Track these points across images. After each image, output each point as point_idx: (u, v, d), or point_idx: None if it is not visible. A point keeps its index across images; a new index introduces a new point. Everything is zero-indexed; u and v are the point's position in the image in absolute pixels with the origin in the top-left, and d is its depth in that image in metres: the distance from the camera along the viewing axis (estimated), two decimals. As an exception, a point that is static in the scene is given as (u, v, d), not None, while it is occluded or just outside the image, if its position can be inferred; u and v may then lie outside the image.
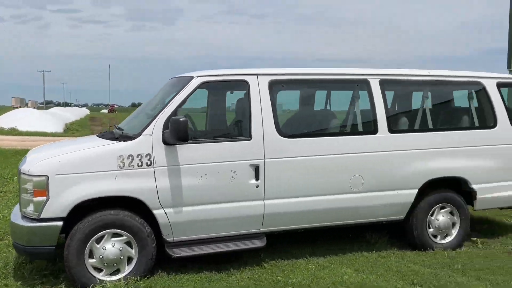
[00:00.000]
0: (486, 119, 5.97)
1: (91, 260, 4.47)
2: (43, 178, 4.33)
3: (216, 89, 5.28)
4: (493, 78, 6.03)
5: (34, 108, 58.72)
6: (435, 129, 5.73)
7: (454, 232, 5.79)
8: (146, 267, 4.60)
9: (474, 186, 5.77)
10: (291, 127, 5.29)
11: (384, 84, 5.50)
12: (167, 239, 4.74)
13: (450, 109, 6.14)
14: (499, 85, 6.03)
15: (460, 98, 6.11)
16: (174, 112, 4.69)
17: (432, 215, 5.68)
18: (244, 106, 4.99)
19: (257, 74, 5.05)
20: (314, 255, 5.43)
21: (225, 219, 4.88)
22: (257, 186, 4.90)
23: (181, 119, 4.46)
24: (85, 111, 76.71)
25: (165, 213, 4.64)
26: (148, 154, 4.57)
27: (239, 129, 5.05)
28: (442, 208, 5.73)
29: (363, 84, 5.43)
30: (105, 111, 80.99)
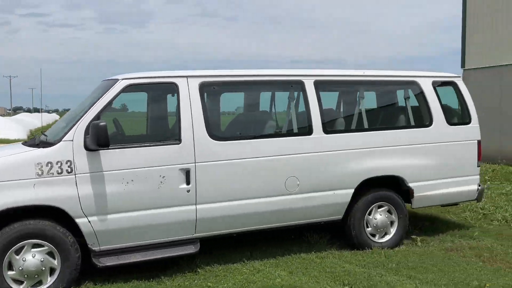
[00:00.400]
0: (422, 118, 6.03)
1: (10, 272, 4.29)
2: None
3: (144, 92, 5.17)
4: (428, 77, 6.10)
5: (3, 114, 57.25)
6: (370, 129, 5.74)
7: (393, 230, 5.82)
8: (70, 277, 4.45)
9: (410, 185, 5.81)
10: (223, 130, 5.22)
11: (319, 85, 5.48)
12: (93, 248, 4.60)
13: (386, 108, 6.19)
14: (435, 84, 6.10)
15: (396, 98, 6.16)
16: (97, 117, 4.55)
17: (370, 214, 5.69)
18: (174, 109, 4.89)
19: (187, 76, 4.96)
20: (251, 258, 5.36)
21: (155, 226, 4.76)
22: (188, 191, 4.80)
23: (100, 124, 4.34)
24: (54, 117, 75.17)
25: (89, 221, 4.50)
26: (68, 161, 4.43)
27: (169, 132, 4.95)
28: (380, 207, 5.75)
29: (298, 85, 5.40)
30: None
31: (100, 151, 4.50)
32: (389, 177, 5.73)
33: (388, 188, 5.81)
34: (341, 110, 6.03)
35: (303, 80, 5.40)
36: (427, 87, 6.02)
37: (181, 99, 4.87)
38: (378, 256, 5.40)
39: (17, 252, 4.30)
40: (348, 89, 6.00)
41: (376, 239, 5.74)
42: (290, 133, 5.40)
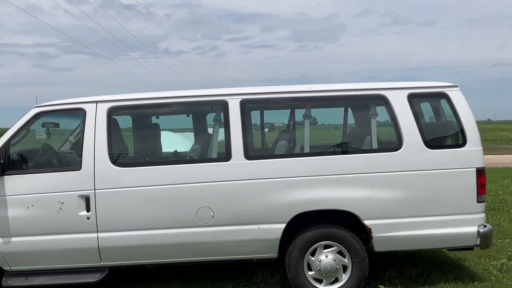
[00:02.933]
0: (388, 140, 4.87)
1: None
2: None
3: (58, 119, 5.24)
4: (402, 88, 4.89)
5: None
6: (309, 154, 4.84)
7: (345, 277, 4.79)
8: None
9: (367, 222, 4.72)
10: (127, 156, 4.98)
11: (247, 105, 4.85)
12: (4, 268, 4.84)
13: (338, 129, 5.14)
14: (413, 97, 4.86)
15: (354, 116, 5.09)
16: (6, 143, 4.79)
17: (313, 254, 4.80)
18: (79, 135, 4.88)
19: (96, 102, 4.90)
20: (175, 292, 5.01)
21: (58, 251, 4.79)
22: (88, 218, 4.72)
23: None
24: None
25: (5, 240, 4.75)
26: None
27: (70, 159, 4.94)
28: (328, 247, 4.80)
29: (220, 106, 4.86)
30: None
31: (5, 176, 4.73)
32: (337, 212, 4.75)
33: (339, 225, 4.82)
34: (276, 132, 5.23)
35: (227, 100, 4.85)
36: (397, 101, 4.83)
37: (87, 125, 4.82)
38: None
39: None
40: (285, 107, 5.17)
41: (322, 285, 4.80)
42: (203, 159, 4.89)
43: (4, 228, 4.74)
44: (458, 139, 4.83)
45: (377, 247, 4.78)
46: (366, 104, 4.98)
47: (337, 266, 4.76)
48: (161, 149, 5.33)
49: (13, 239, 4.76)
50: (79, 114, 4.91)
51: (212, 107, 4.93)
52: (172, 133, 7.30)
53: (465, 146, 4.78)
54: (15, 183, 4.74)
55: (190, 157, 5.05)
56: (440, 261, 5.72)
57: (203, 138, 5.10)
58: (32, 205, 4.72)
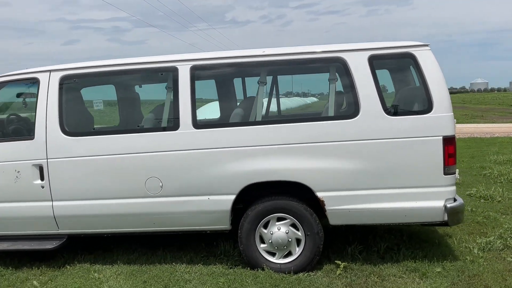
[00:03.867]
0: (344, 107, 4.51)
1: None
2: None
3: (15, 88, 5.26)
4: (363, 50, 4.46)
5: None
6: (260, 123, 4.57)
7: (298, 250, 4.57)
8: None
9: (319, 194, 4.44)
10: (78, 125, 4.94)
11: (196, 72, 4.64)
12: None
13: (291, 96, 4.79)
14: (374, 59, 4.44)
15: (311, 83, 4.72)
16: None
17: (266, 227, 4.60)
18: (34, 104, 4.89)
19: (50, 71, 4.88)
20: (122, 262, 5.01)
21: (18, 219, 4.91)
22: (42, 187, 4.78)
23: None
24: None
25: None
26: None
27: (25, 128, 4.97)
28: (281, 219, 4.58)
29: (169, 73, 4.68)
30: None
31: None
32: (289, 183, 4.50)
33: (293, 196, 4.57)
34: (228, 100, 4.96)
35: (176, 66, 4.66)
36: (356, 64, 4.43)
37: (40, 94, 4.82)
38: (266, 279, 4.35)
39: None
40: (241, 73, 4.89)
41: (274, 259, 4.61)
42: (151, 129, 4.75)
43: None
44: (423, 105, 4.37)
45: (332, 220, 4.50)
46: (324, 68, 4.61)
47: (290, 239, 4.54)
48: (109, 118, 5.27)
49: None
50: (35, 83, 4.92)
51: (161, 74, 4.76)
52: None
53: (431, 112, 4.32)
54: None
55: (138, 126, 4.94)
56: (419, 237, 5.32)
57: (158, 107, 4.97)
58: None
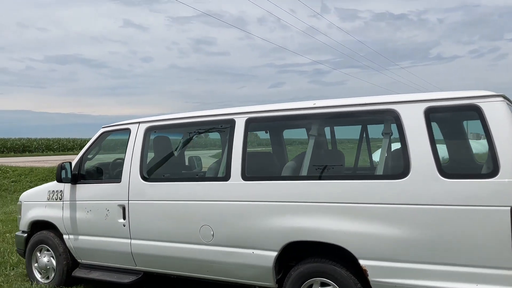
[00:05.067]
0: (394, 165, 3.99)
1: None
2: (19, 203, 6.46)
3: (116, 136, 5.96)
4: (418, 101, 3.93)
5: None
6: (307, 178, 4.33)
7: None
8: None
9: (362, 262, 3.98)
10: (152, 172, 5.36)
11: (251, 123, 4.71)
12: (77, 260, 5.89)
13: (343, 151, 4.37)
14: (431, 112, 3.88)
15: (362, 135, 4.28)
16: (80, 159, 5.87)
17: (309, 291, 4.29)
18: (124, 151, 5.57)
19: (139, 122, 5.53)
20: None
21: (107, 252, 5.56)
22: (124, 225, 5.35)
23: (61, 164, 5.66)
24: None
25: (69, 238, 5.85)
26: (61, 191, 5.95)
27: (116, 172, 5.62)
28: (325, 284, 4.22)
29: (228, 125, 4.85)
30: None
31: (76, 185, 5.79)
32: (330, 246, 4.14)
33: (336, 261, 4.18)
34: (276, 152, 4.75)
35: (234, 119, 4.81)
36: (409, 117, 3.92)
37: (129, 142, 5.48)
38: None
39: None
40: (291, 125, 4.70)
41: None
42: (209, 178, 4.91)
43: (73, 227, 5.79)
44: (488, 167, 3.61)
45: (372, 290, 3.97)
46: (378, 121, 4.21)
47: (327, 307, 4.15)
48: (177, 167, 5.59)
49: (80, 237, 5.77)
50: (127, 133, 5.62)
51: (221, 126, 4.96)
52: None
53: (496, 177, 3.54)
54: (80, 191, 5.75)
55: (197, 175, 5.16)
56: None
57: (214, 157, 5.16)
58: (90, 210, 5.63)
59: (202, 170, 5.59)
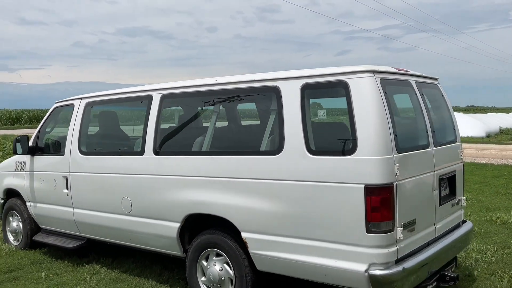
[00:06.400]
0: (272, 141, 4.03)
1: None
2: None
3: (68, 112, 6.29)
4: (298, 78, 3.92)
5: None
6: (201, 153, 4.46)
7: (229, 290, 4.31)
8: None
9: (243, 235, 4.12)
10: (87, 145, 5.65)
11: (166, 99, 4.88)
12: (39, 226, 6.42)
13: (238, 126, 4.42)
14: (308, 88, 3.86)
15: (253, 112, 4.31)
16: (37, 133, 6.31)
17: (207, 260, 4.50)
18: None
19: (81, 98, 5.84)
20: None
21: (57, 219, 6.02)
22: (67, 195, 5.76)
23: (17, 138, 6.13)
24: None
25: (30, 205, 6.37)
26: (23, 162, 6.45)
27: (62, 146, 5.97)
28: (218, 255, 4.41)
29: (146, 101, 5.04)
30: None
31: (34, 156, 6.25)
32: (217, 217, 4.30)
33: (226, 233, 4.33)
34: (181, 128, 4.87)
35: (152, 95, 4.99)
36: (288, 94, 3.93)
37: (71, 118, 5.82)
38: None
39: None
40: (195, 102, 4.78)
41: (216, 294, 4.45)
42: (129, 152, 5.15)
43: (32, 196, 6.29)
44: (348, 144, 3.58)
45: (258, 266, 4.10)
46: (264, 98, 4.23)
47: (223, 278, 4.33)
48: (106, 140, 5.86)
49: (38, 204, 6.27)
50: (71, 108, 5.95)
51: (141, 102, 5.14)
52: None
53: (354, 154, 3.52)
54: (36, 162, 6.21)
55: (120, 149, 5.42)
56: None
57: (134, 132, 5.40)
58: (43, 180, 6.09)
59: (120, 144, 5.81)
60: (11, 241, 6.78)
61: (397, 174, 3.53)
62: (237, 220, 4.15)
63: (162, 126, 4.87)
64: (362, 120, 3.50)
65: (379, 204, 3.43)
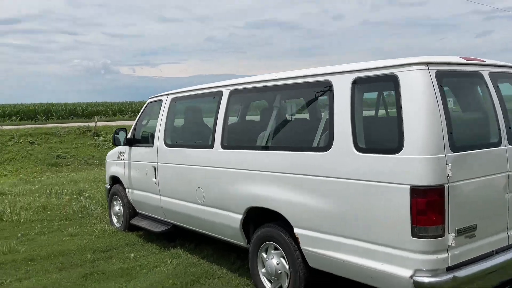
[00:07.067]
0: (324, 137, 3.95)
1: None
2: None
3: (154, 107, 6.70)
4: (350, 72, 3.79)
5: None
6: (265, 148, 4.50)
7: (285, 285, 4.34)
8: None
9: (296, 230, 4.13)
10: (171, 138, 6.00)
11: (233, 95, 5.04)
12: (136, 210, 7.06)
13: (294, 122, 4.34)
14: (357, 82, 3.72)
15: (307, 106, 4.24)
16: (134, 126, 6.93)
17: (266, 252, 4.59)
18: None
19: (168, 94, 6.28)
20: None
21: (148, 205, 6.57)
22: (155, 183, 6.25)
23: (116, 130, 6.79)
24: None
25: (128, 191, 7.03)
26: (124, 152, 7.13)
27: (152, 138, 6.44)
28: (276, 248, 4.47)
29: (218, 96, 5.25)
30: None
31: (132, 147, 6.88)
32: (275, 213, 4.35)
33: (283, 227, 4.36)
34: (248, 123, 4.89)
35: (222, 91, 5.19)
36: (340, 89, 3.83)
37: (159, 113, 6.28)
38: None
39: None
40: (258, 98, 4.79)
41: (271, 287, 4.53)
42: (203, 145, 5.38)
43: (129, 183, 6.94)
44: (394, 142, 3.38)
45: (310, 262, 4.08)
46: (319, 93, 4.14)
47: (280, 272, 4.39)
48: (186, 134, 6.13)
49: (134, 191, 6.89)
50: (160, 103, 6.41)
51: (213, 98, 5.35)
52: None
53: (400, 152, 3.32)
54: (132, 152, 6.82)
55: (195, 142, 5.68)
56: None
57: (206, 125, 5.63)
58: (138, 169, 6.68)
59: (198, 137, 6.06)
60: (115, 223, 7.55)
61: (450, 175, 3.25)
62: (290, 215, 4.17)
63: (230, 121, 5.04)
64: (410, 116, 3.29)
65: (426, 207, 3.20)
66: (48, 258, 6.09)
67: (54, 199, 10.14)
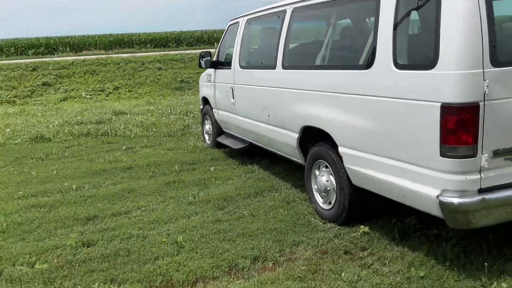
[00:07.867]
0: (367, 54, 3.80)
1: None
2: None
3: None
4: (394, -18, 3.53)
5: None
6: (319, 67, 4.48)
7: (333, 201, 4.46)
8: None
9: (340, 149, 4.16)
10: (244, 60, 6.13)
11: (294, 14, 4.99)
12: (223, 130, 7.52)
13: (345, 39, 4.14)
14: (401, -6, 3.48)
15: (353, 24, 4.02)
16: (218, 48, 7.23)
17: (319, 169, 4.71)
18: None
19: (244, 16, 6.39)
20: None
21: (230, 123, 6.96)
22: (233, 104, 6.58)
23: (202, 54, 7.15)
24: None
25: (214, 111, 7.49)
26: (210, 74, 7.52)
27: (230, 60, 6.63)
28: (327, 166, 4.56)
29: (282, 15, 5.22)
30: None
31: (216, 70, 7.23)
32: (323, 132, 4.39)
33: (331, 145, 4.40)
34: (304, 42, 4.74)
35: (286, 9, 5.15)
36: (386, 2, 3.61)
37: (236, 35, 6.45)
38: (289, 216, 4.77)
39: (204, 120, 8.12)
40: (314, 17, 4.61)
41: (321, 202, 4.68)
42: (267, 66, 5.42)
43: (214, 102, 7.36)
44: (430, 57, 3.16)
45: (353, 180, 4.12)
46: (365, 8, 3.95)
47: (328, 188, 4.51)
48: (257, 55, 6.13)
49: (219, 111, 7.32)
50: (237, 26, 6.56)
51: (279, 17, 5.32)
52: None
53: (434, 68, 3.12)
54: (216, 75, 7.17)
55: (262, 63, 5.73)
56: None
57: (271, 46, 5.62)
58: (220, 91, 7.05)
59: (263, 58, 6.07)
60: (206, 140, 8.16)
61: (487, 93, 2.99)
62: (335, 134, 4.19)
63: (291, 41, 5.04)
64: (448, 28, 3.04)
65: (455, 126, 3.02)
66: (143, 167, 6.89)
67: (164, 118, 11.14)
